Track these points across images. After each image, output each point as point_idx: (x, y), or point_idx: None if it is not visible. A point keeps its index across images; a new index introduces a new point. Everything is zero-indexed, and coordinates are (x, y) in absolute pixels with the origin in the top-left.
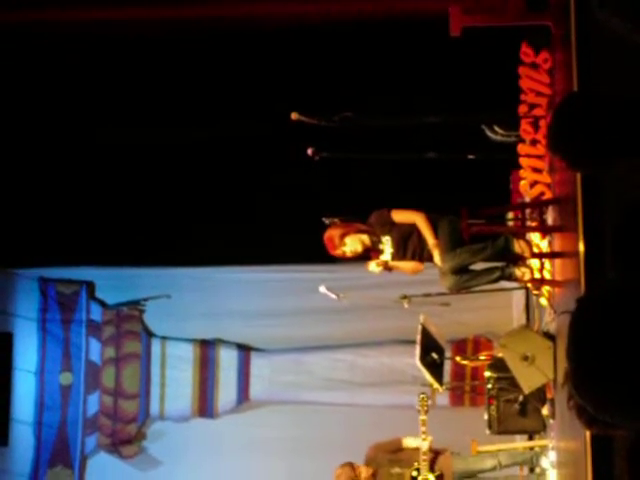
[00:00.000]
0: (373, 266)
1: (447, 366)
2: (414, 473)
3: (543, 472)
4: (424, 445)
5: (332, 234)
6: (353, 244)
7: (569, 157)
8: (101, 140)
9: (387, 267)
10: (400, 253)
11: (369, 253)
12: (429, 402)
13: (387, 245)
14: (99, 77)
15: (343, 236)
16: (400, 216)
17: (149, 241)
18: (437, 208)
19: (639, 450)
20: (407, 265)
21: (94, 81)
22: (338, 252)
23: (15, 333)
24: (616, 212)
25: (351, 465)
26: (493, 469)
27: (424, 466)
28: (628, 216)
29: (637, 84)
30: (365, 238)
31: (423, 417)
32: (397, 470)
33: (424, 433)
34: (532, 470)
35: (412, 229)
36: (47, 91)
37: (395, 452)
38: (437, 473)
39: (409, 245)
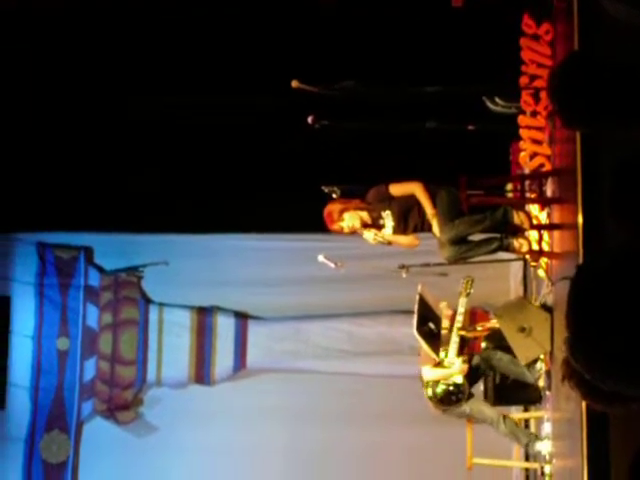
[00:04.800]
0: (369, 235)
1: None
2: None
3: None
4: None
5: (332, 209)
6: (351, 220)
7: (567, 105)
8: (99, 106)
9: (385, 241)
10: (401, 227)
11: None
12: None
13: (388, 219)
14: (88, 46)
15: (342, 212)
16: (398, 189)
17: (148, 207)
18: (436, 178)
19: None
20: (404, 239)
21: (83, 50)
22: (335, 227)
23: (13, 297)
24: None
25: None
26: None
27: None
28: (620, 170)
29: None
30: (364, 215)
31: (464, 298)
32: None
33: (462, 314)
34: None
35: (412, 203)
36: (42, 58)
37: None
38: (465, 357)
39: (410, 219)
